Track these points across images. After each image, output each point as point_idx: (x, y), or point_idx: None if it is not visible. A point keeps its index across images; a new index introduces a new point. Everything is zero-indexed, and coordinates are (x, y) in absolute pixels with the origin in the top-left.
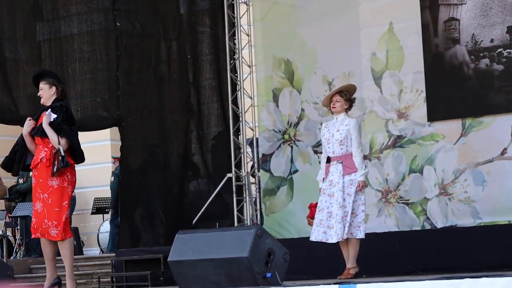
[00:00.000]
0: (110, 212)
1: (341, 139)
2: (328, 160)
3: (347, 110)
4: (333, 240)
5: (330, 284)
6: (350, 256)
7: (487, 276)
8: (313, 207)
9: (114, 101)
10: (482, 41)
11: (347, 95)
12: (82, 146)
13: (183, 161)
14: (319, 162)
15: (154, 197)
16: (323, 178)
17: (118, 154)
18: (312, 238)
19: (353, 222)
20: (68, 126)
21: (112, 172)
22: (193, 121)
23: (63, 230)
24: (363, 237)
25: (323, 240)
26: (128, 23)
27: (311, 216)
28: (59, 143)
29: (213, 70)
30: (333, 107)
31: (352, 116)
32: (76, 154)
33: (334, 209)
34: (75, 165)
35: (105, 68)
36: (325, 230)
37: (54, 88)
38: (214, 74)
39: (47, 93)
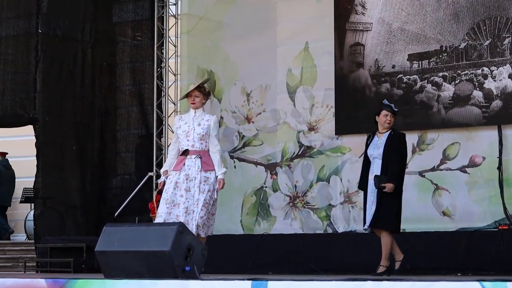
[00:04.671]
0: None
1: (203, 133)
2: (185, 152)
3: (204, 104)
4: None
5: (244, 280)
6: None
7: (388, 280)
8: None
9: (31, 101)
10: (384, 66)
11: (205, 90)
12: (15, 140)
13: (101, 159)
14: (234, 167)
15: (74, 191)
16: (176, 170)
17: None
18: None
19: (208, 221)
20: None
21: None
22: (109, 123)
23: None
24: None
25: None
26: (49, 29)
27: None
28: None
29: (133, 77)
30: (193, 103)
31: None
32: None
33: (191, 205)
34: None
35: (25, 71)
36: None
37: None
38: (134, 81)
39: None
